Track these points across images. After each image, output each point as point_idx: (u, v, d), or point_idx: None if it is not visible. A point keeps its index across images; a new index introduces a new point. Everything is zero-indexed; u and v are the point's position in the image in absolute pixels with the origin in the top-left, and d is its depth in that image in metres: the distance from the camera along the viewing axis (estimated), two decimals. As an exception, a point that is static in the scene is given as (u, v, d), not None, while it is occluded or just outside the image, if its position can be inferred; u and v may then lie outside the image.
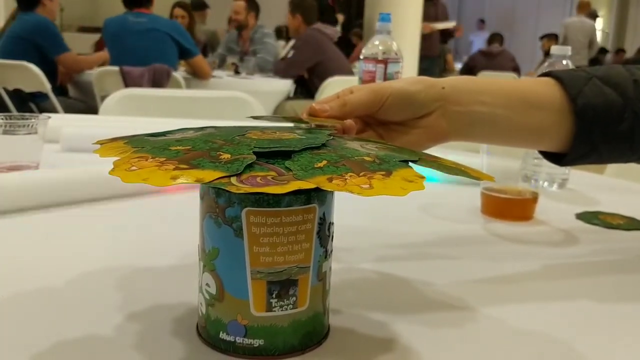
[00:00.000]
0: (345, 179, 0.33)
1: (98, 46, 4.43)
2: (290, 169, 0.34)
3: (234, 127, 0.43)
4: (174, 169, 0.33)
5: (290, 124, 0.50)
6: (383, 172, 0.34)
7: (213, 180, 0.32)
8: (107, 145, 0.40)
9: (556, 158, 0.59)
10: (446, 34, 6.21)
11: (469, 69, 6.21)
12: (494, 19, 12.27)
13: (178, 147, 0.36)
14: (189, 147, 0.36)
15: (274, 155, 0.36)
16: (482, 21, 11.79)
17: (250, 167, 0.34)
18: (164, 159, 0.34)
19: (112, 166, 0.34)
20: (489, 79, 0.57)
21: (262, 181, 0.32)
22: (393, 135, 0.55)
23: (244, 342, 0.37)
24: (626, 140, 0.55)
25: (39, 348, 0.38)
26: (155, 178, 0.32)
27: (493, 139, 0.59)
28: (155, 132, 0.43)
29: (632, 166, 1.16)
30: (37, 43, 3.16)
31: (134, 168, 0.33)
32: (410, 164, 0.37)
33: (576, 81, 0.55)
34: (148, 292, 0.48)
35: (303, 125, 0.51)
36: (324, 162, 0.35)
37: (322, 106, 0.52)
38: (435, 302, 0.49)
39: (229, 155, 0.35)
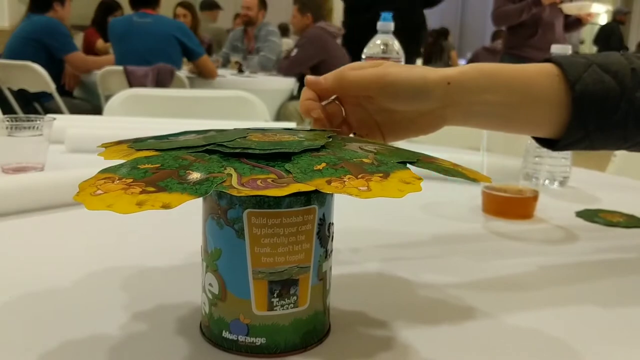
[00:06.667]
0: (344, 181, 0.34)
1: (87, 41, 4.48)
2: (290, 172, 0.35)
3: (236, 129, 0.44)
4: (140, 193, 0.32)
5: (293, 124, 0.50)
6: (381, 174, 0.35)
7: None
8: (111, 148, 0.41)
9: (549, 143, 0.59)
10: (575, 23, 3.63)
11: None
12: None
13: (146, 166, 0.35)
14: (157, 165, 0.35)
15: (274, 157, 0.36)
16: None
17: (251, 169, 0.35)
18: (131, 180, 0.33)
19: (78, 189, 0.33)
20: (495, 68, 0.56)
21: (263, 184, 0.33)
22: (391, 125, 0.56)
23: (247, 340, 0.38)
24: (620, 128, 0.56)
25: (46, 347, 0.39)
26: (120, 204, 0.31)
27: (488, 128, 0.60)
28: (159, 135, 0.44)
29: (634, 163, 1.16)
30: (46, 43, 3.18)
31: (99, 192, 0.32)
32: (409, 165, 0.38)
33: (576, 67, 0.55)
34: (152, 292, 0.49)
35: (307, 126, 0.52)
36: (323, 164, 0.36)
37: (316, 79, 0.53)
38: (435, 300, 0.50)
39: (198, 175, 0.34)
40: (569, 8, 3.40)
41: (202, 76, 3.30)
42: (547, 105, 0.56)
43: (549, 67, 0.57)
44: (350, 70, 0.54)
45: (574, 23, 3.62)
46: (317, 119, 0.54)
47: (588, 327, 0.46)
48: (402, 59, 1.06)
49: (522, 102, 0.55)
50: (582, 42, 8.32)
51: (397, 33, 1.06)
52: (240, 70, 3.95)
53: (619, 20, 8.63)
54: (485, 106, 0.55)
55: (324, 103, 0.55)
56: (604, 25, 8.77)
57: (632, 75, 0.55)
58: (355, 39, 2.96)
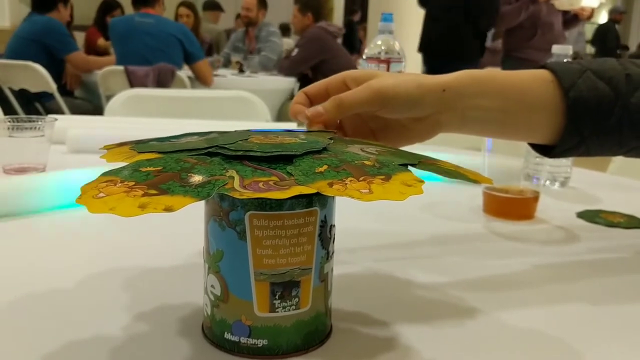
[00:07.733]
0: (346, 184, 0.34)
1: (89, 40, 4.50)
2: (292, 174, 0.35)
3: (237, 131, 0.44)
4: (143, 195, 0.32)
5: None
6: (382, 177, 0.35)
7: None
8: (113, 150, 0.41)
9: (544, 149, 0.59)
10: (573, 19, 3.57)
11: None
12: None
13: (149, 168, 0.35)
14: (159, 168, 0.35)
15: (276, 159, 0.37)
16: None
17: (253, 172, 0.35)
18: (133, 183, 0.33)
19: (80, 192, 0.33)
20: (489, 75, 0.56)
21: (264, 186, 0.33)
22: (385, 131, 0.56)
23: (248, 342, 0.38)
24: (615, 134, 0.56)
25: (48, 348, 0.39)
26: (122, 207, 0.31)
27: (484, 134, 0.61)
28: (161, 137, 0.44)
29: (634, 163, 1.16)
30: (46, 43, 3.18)
31: (101, 195, 0.32)
32: (410, 167, 0.38)
33: (570, 74, 0.55)
34: (155, 293, 0.49)
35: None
36: (325, 166, 0.36)
37: (316, 110, 0.52)
38: (436, 301, 0.50)
39: (200, 177, 0.34)
40: (560, 4, 3.36)
41: (198, 81, 3.28)
42: (542, 111, 0.56)
43: (543, 73, 0.57)
44: (346, 97, 0.52)
45: (572, 19, 3.56)
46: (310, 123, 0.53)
47: (588, 327, 0.46)
48: (404, 59, 1.06)
49: (517, 108, 0.55)
50: (589, 42, 8.33)
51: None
52: (241, 70, 3.95)
53: (614, 19, 8.65)
54: (480, 112, 0.55)
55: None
56: (600, 25, 8.80)
57: (627, 81, 0.55)
58: (430, 42, 3.46)
